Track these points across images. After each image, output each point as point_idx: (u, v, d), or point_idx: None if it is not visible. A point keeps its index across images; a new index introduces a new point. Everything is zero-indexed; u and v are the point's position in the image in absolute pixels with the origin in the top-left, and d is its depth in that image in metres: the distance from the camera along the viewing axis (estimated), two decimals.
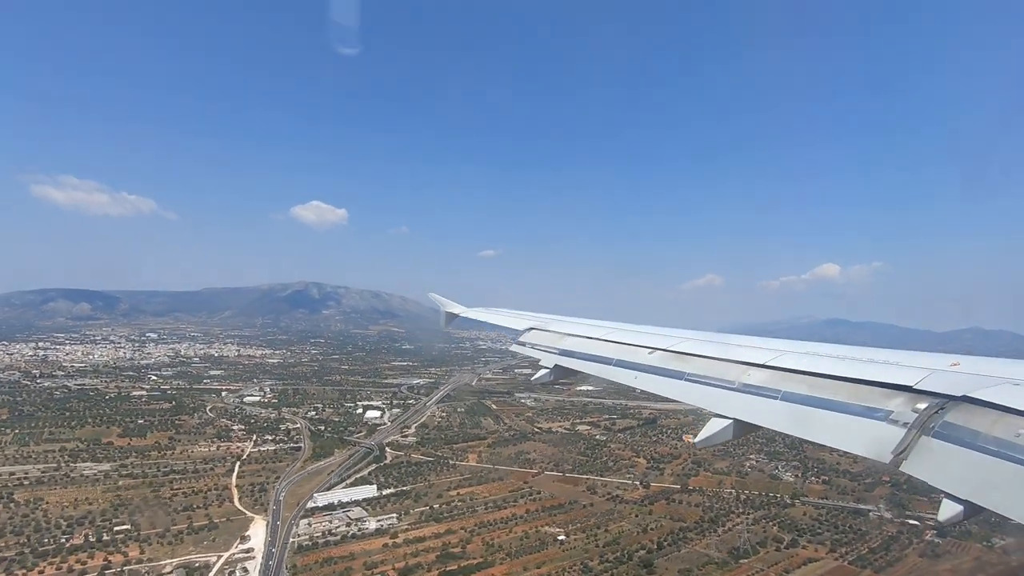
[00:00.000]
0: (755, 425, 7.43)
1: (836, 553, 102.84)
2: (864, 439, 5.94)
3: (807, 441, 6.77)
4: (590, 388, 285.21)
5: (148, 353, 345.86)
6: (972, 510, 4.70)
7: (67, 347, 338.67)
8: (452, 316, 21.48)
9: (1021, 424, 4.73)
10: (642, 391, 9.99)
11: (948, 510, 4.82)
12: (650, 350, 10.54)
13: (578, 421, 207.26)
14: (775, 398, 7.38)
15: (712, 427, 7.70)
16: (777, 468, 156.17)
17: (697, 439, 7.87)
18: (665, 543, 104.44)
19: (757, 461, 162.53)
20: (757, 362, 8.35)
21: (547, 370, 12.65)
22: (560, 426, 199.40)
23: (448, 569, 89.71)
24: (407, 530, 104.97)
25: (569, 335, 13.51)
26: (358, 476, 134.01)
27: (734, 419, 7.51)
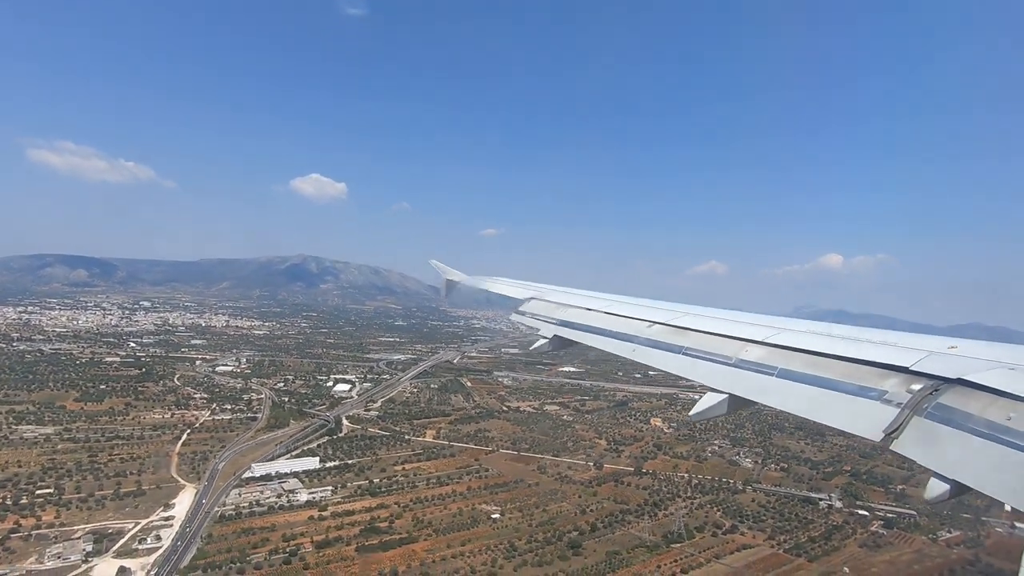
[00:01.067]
0: (750, 400, 7.36)
1: (774, 541, 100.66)
2: (857, 418, 5.89)
3: (800, 418, 6.69)
4: (572, 369, 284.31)
5: (135, 321, 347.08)
6: (958, 489, 4.73)
7: (54, 312, 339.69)
8: (453, 284, 21.20)
9: (1012, 407, 4.73)
10: (639, 364, 10.01)
11: (935, 489, 4.87)
12: (649, 323, 10.56)
13: (549, 401, 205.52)
14: (771, 375, 7.36)
15: (707, 401, 7.65)
16: (738, 454, 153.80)
17: (692, 412, 7.84)
18: (600, 525, 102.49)
19: (720, 446, 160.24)
20: (755, 338, 8.34)
21: (546, 340, 12.64)
22: (530, 405, 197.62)
23: (367, 543, 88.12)
24: (339, 503, 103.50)
25: (569, 306, 13.52)
26: (307, 448, 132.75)
27: (729, 394, 7.46)
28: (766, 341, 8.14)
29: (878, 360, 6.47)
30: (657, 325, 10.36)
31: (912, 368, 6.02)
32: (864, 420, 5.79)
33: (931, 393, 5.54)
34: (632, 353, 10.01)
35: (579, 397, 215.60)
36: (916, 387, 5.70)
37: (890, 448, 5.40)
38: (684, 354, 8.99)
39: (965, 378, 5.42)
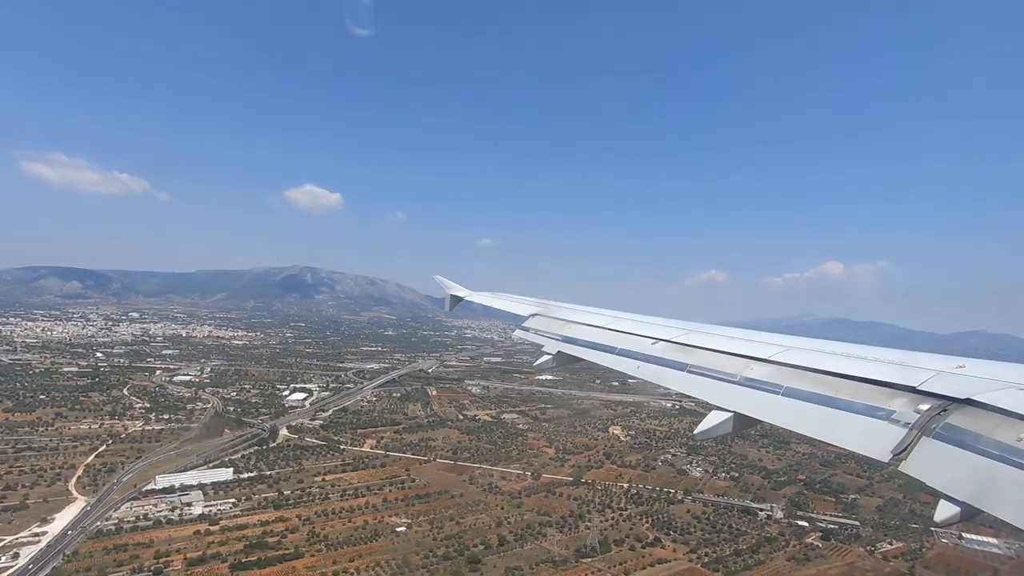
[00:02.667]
0: (755, 419, 7.11)
1: (696, 554, 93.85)
2: (864, 438, 5.71)
3: (807, 438, 6.49)
4: (549, 377, 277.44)
5: (115, 332, 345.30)
6: (969, 512, 4.63)
7: (29, 323, 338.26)
8: (457, 299, 21.30)
9: (1023, 428, 4.63)
10: (643, 381, 9.74)
11: (945, 511, 4.74)
12: (653, 340, 10.30)
13: (509, 409, 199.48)
14: (777, 393, 7.13)
15: (712, 419, 7.42)
16: (691, 463, 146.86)
17: (696, 431, 7.55)
18: (512, 538, 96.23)
19: (674, 455, 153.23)
20: (760, 356, 8.08)
21: (550, 356, 12.32)
22: (488, 414, 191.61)
23: (245, 560, 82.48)
24: (236, 516, 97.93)
25: (573, 322, 13.38)
26: (231, 458, 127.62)
27: (734, 412, 7.23)
28: (772, 359, 7.90)
29: (886, 379, 6.22)
30: (661, 342, 10.11)
31: (920, 388, 5.81)
32: (872, 440, 5.54)
33: (940, 413, 5.31)
34: (637, 370, 9.76)
35: (542, 405, 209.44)
36: (924, 407, 5.48)
37: (899, 469, 5.15)
38: (688, 372, 8.77)
39: (975, 398, 5.22)
